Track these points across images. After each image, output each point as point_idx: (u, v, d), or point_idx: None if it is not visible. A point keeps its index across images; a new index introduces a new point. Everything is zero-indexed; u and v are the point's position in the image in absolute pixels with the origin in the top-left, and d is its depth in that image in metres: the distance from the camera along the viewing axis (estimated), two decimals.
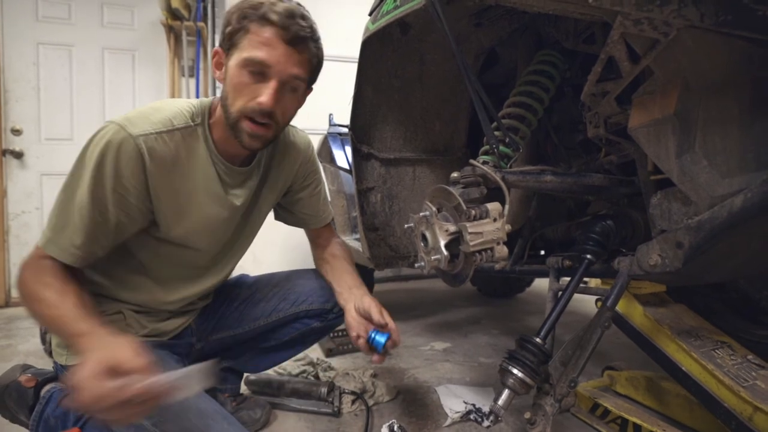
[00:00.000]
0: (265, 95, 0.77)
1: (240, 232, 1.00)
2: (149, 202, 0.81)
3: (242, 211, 0.96)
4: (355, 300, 0.96)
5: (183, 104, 0.84)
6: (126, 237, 0.83)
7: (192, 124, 0.83)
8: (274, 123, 0.82)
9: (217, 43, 2.75)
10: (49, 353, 1.58)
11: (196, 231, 0.89)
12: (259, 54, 0.75)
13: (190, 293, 0.97)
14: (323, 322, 1.09)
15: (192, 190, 0.85)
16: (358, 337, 0.92)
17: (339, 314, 1.07)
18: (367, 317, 0.92)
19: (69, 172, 0.77)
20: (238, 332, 1.06)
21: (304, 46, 0.79)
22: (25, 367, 1.00)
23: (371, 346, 0.90)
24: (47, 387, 0.93)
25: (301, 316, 1.08)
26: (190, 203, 0.86)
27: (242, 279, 1.16)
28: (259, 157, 0.96)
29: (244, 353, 1.12)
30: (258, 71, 0.77)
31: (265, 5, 0.75)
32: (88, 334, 0.67)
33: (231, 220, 0.95)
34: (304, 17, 0.79)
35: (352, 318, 0.94)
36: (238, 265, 1.07)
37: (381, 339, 0.89)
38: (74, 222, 0.75)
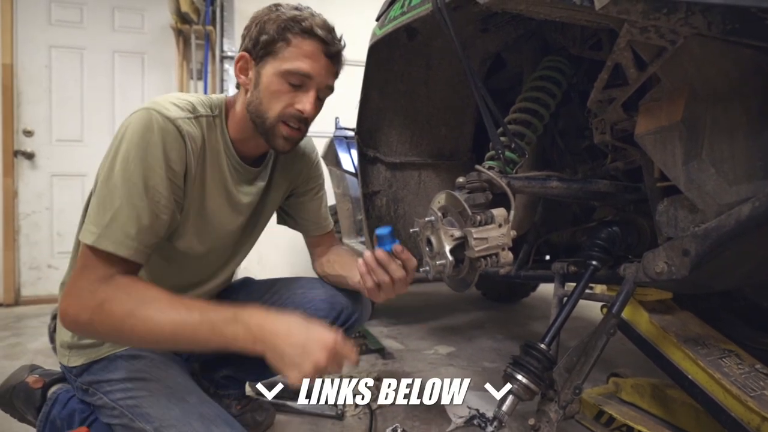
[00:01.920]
0: (306, 103, 0.82)
1: (244, 233, 1.00)
2: (184, 188, 0.80)
3: (248, 211, 0.96)
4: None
5: (201, 97, 0.85)
6: (172, 227, 0.80)
7: (211, 114, 0.84)
8: (305, 127, 0.86)
9: (225, 47, 2.82)
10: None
11: (204, 225, 0.88)
12: (304, 66, 0.80)
13: (192, 294, 0.96)
14: None
15: (209, 180, 0.85)
16: (368, 290, 0.83)
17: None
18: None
19: (106, 166, 0.72)
20: None
21: (338, 60, 0.86)
22: (33, 368, 1.00)
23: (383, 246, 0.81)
24: (54, 388, 0.93)
25: None
26: (204, 193, 0.85)
27: (244, 283, 1.14)
28: (267, 160, 0.97)
29: (244, 362, 1.07)
30: (298, 81, 0.81)
31: (306, 18, 0.80)
32: (252, 315, 0.67)
33: (236, 218, 0.94)
34: (336, 31, 0.85)
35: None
36: (243, 266, 1.06)
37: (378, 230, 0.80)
38: (124, 213, 0.70)
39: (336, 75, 0.89)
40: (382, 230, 0.82)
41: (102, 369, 0.84)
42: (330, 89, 0.87)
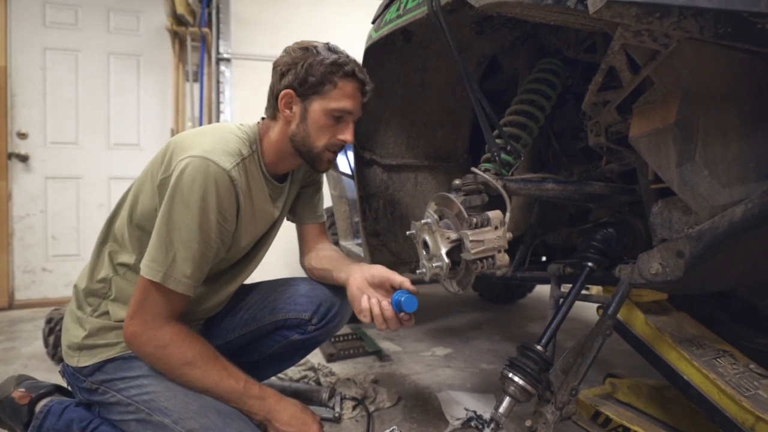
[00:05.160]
0: (348, 135, 0.95)
1: (265, 241, 1.06)
2: (235, 227, 0.90)
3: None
4: (362, 270, 0.93)
5: (239, 133, 0.94)
6: (215, 262, 0.91)
7: (251, 151, 0.94)
8: (341, 150, 0.99)
9: (221, 49, 2.83)
10: (52, 356, 1.60)
11: (246, 246, 0.98)
12: (348, 105, 0.93)
13: (209, 305, 1.00)
14: (303, 334, 1.07)
15: (255, 211, 0.95)
16: (362, 311, 0.87)
17: (320, 326, 1.07)
18: (381, 282, 0.89)
19: (166, 208, 0.82)
20: (219, 343, 1.05)
21: (366, 94, 0.99)
22: (21, 379, 0.99)
23: (399, 310, 0.85)
24: (43, 402, 0.93)
25: (278, 326, 1.07)
26: (253, 222, 0.96)
27: None
28: (291, 175, 1.07)
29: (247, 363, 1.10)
30: (341, 116, 0.94)
31: (348, 63, 0.92)
32: (269, 396, 0.90)
33: (266, 227, 1.04)
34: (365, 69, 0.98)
35: (356, 289, 0.91)
36: None
37: (408, 297, 0.84)
38: (181, 254, 0.82)
39: None
40: (411, 306, 0.85)
41: (116, 368, 0.88)
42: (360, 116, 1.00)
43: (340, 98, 0.92)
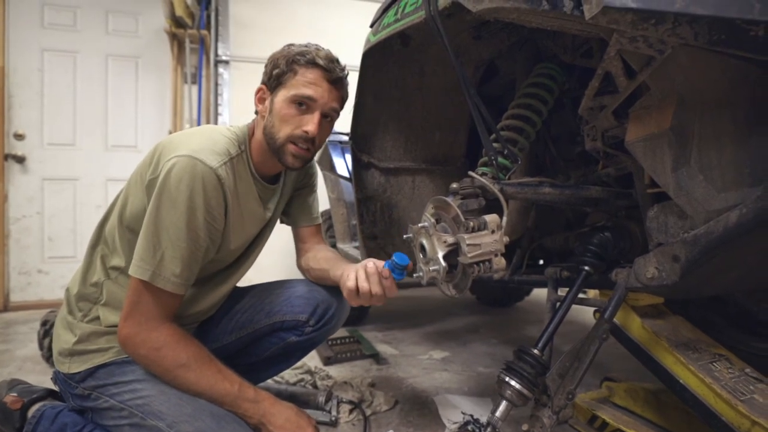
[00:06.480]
0: (311, 124, 0.91)
1: (257, 243, 1.05)
2: (224, 226, 0.90)
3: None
4: (358, 266, 0.93)
5: (228, 133, 0.93)
6: (205, 262, 0.90)
7: (240, 151, 0.93)
8: (313, 147, 0.95)
9: (219, 51, 2.83)
10: (47, 359, 1.59)
11: (237, 248, 0.97)
12: (307, 91, 0.90)
13: (201, 307, 0.99)
14: (300, 335, 1.07)
15: (243, 211, 0.94)
16: (351, 289, 0.89)
17: (317, 327, 1.07)
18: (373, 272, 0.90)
19: (153, 207, 0.81)
20: (216, 347, 1.05)
21: (340, 85, 0.96)
22: (12, 384, 0.98)
23: (394, 270, 0.87)
24: (36, 407, 0.92)
25: (276, 328, 1.07)
26: (242, 223, 0.95)
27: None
28: (282, 175, 1.06)
29: (243, 367, 1.09)
30: (304, 105, 0.91)
31: (311, 52, 0.91)
32: (264, 399, 0.89)
33: (258, 229, 1.03)
34: (339, 62, 0.95)
35: (352, 270, 0.92)
36: None
37: (399, 258, 0.86)
38: (169, 253, 0.81)
39: (341, 100, 0.98)
40: (403, 260, 0.87)
41: (109, 373, 0.87)
42: (336, 112, 0.97)
43: (300, 85, 0.90)
